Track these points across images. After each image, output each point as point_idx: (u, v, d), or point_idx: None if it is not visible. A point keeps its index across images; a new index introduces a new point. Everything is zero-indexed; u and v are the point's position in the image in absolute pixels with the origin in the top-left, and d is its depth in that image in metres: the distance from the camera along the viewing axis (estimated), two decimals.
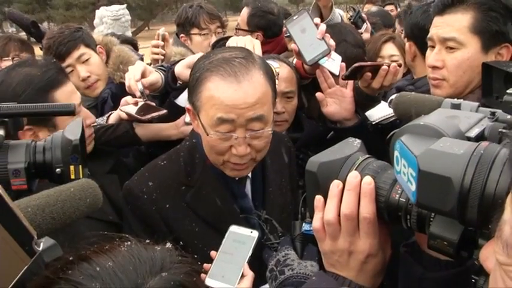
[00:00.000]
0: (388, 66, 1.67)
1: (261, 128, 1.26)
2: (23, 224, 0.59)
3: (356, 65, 1.68)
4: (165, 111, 1.70)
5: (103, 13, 4.08)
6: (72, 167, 1.01)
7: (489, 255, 0.54)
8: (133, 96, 1.75)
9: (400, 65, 1.78)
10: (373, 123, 1.77)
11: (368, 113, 1.78)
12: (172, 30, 3.08)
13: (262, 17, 2.75)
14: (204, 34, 2.83)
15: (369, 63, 1.77)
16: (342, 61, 1.72)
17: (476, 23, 1.44)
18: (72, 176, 1.01)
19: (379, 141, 1.39)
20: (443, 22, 1.51)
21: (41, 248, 0.61)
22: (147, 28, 26.24)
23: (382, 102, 1.81)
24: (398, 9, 6.75)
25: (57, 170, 1.00)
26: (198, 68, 1.30)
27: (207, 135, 1.26)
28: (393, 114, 1.59)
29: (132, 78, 1.68)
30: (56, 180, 1.01)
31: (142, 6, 25.72)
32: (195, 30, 2.85)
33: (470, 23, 1.45)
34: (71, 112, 1.07)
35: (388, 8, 6.44)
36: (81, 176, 1.01)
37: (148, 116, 1.68)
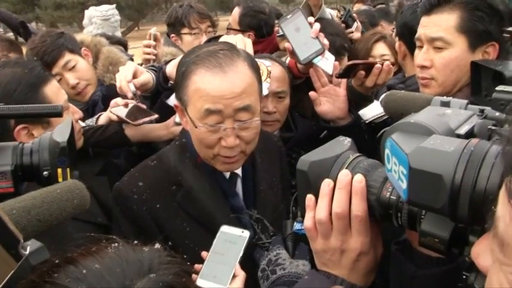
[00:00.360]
0: (382, 65, 1.68)
1: (248, 118, 1.26)
2: (9, 228, 0.57)
3: (349, 63, 1.69)
4: (156, 116, 1.69)
5: (92, 13, 4.05)
6: (59, 170, 0.99)
7: (481, 252, 0.54)
8: (124, 97, 1.73)
9: (393, 64, 1.78)
10: (366, 122, 1.77)
11: (361, 112, 1.78)
12: (163, 31, 3.06)
13: (253, 16, 2.74)
14: (195, 34, 2.82)
15: (362, 61, 1.77)
16: None
17: (462, 23, 1.46)
18: (60, 179, 0.99)
19: (371, 140, 1.40)
20: (430, 22, 1.52)
21: (27, 252, 0.60)
22: (137, 28, 26.08)
23: (375, 101, 1.82)
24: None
25: (45, 172, 0.98)
26: (184, 63, 1.30)
27: (196, 127, 1.26)
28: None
29: (123, 79, 1.66)
30: (43, 183, 0.99)
31: (132, 6, 25.58)
32: (185, 30, 2.84)
33: (456, 22, 1.46)
34: (58, 114, 1.05)
35: (379, 7, 6.46)
36: (68, 179, 1.00)
37: (140, 121, 1.67)
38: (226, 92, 1.21)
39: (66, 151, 0.98)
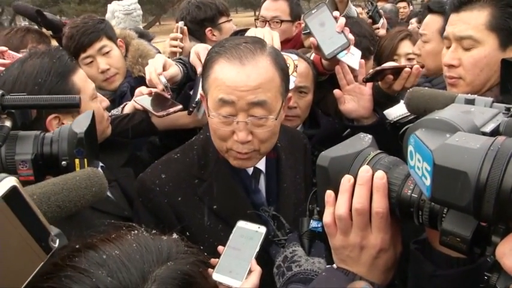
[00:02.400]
0: (411, 68, 1.64)
1: (263, 114, 1.24)
2: (41, 221, 0.58)
3: (378, 68, 1.67)
4: (180, 106, 1.69)
5: (115, 7, 4.09)
6: (77, 161, 1.00)
7: (506, 251, 0.52)
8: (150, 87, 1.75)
9: (422, 67, 1.74)
10: (391, 122, 1.75)
11: (385, 112, 1.75)
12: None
13: (299, 5, 2.72)
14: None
15: (390, 65, 1.74)
16: None
17: (493, 20, 1.42)
18: (78, 169, 1.00)
19: (396, 141, 1.37)
20: (459, 20, 1.48)
21: (56, 245, 0.61)
22: (158, 23, 26.31)
23: (401, 101, 1.79)
24: (411, 7, 6.72)
25: (63, 162, 1.00)
26: (210, 53, 1.32)
27: (209, 116, 1.26)
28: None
29: (153, 71, 1.67)
30: (62, 172, 1.00)
31: (154, 1, 25.81)
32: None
33: (487, 20, 1.42)
34: (75, 105, 1.05)
35: (401, 4, 6.41)
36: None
37: (164, 113, 1.67)
38: (240, 83, 1.21)
39: (84, 142, 0.99)
